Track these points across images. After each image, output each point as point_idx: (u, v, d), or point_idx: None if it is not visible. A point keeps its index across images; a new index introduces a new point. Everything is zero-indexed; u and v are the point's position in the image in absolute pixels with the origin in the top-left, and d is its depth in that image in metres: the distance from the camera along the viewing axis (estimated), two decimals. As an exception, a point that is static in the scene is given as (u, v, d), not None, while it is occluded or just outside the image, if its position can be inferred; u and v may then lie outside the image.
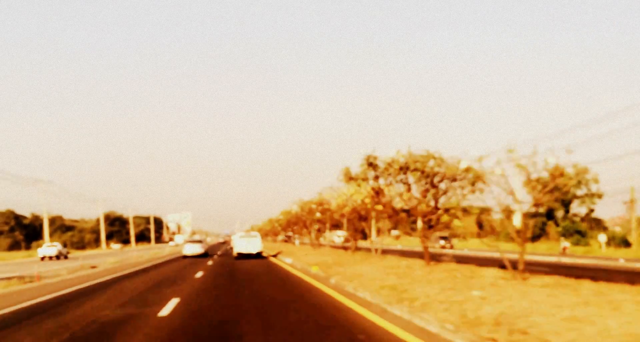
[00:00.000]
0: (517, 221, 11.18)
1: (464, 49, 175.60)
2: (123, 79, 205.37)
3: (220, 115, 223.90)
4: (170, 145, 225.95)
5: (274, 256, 32.04)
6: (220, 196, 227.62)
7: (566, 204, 56.69)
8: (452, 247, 48.21)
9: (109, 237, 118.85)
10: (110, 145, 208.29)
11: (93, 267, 26.66)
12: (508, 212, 11.22)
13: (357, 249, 26.94)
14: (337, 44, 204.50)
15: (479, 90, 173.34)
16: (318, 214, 26.13)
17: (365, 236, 77.32)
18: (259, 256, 30.60)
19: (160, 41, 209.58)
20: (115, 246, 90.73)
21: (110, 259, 33.03)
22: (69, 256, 48.61)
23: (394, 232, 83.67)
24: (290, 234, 61.28)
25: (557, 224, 55.99)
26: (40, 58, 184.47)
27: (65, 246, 57.69)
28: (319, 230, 43.65)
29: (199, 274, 19.07)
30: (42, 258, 44.25)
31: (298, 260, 23.38)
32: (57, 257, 45.08)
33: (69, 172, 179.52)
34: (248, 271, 20.27)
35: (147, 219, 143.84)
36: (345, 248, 35.86)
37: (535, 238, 55.43)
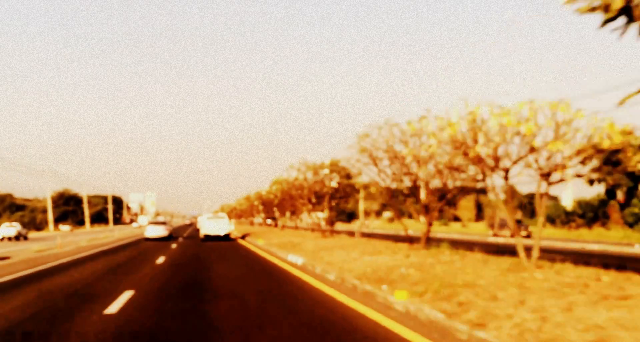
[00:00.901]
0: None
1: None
2: (85, 51, 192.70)
3: (188, 89, 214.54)
4: (135, 122, 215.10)
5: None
6: (186, 175, 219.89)
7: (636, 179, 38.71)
8: (529, 235, 30.25)
9: (63, 217, 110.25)
10: (69, 121, 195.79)
11: (3, 258, 19.61)
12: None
13: (334, 232, 24.66)
14: (302, 19, 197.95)
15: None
16: (334, 183, 20.45)
17: (350, 218, 72.74)
18: (226, 237, 30.19)
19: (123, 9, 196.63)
20: (65, 227, 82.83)
21: (35, 247, 27.20)
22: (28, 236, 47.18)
23: (386, 215, 78.74)
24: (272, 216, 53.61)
25: (622, 207, 42.49)
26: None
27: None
28: (293, 212, 39.72)
29: (160, 260, 17.16)
30: (1, 239, 42.63)
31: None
32: (17, 238, 43.47)
33: (23, 149, 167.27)
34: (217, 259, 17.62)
35: (105, 199, 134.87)
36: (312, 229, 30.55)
37: (593, 221, 45.30)
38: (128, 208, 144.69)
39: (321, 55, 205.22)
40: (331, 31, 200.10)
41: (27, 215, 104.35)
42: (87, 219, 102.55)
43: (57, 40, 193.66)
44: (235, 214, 69.59)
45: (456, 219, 79.73)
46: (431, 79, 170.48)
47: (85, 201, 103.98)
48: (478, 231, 44.70)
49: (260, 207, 45.56)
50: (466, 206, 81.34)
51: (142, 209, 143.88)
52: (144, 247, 24.63)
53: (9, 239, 42.82)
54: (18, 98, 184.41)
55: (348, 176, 21.59)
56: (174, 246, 25.06)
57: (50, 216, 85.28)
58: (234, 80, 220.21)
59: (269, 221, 51.69)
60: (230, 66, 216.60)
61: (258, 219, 74.05)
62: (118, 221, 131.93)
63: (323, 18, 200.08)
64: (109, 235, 45.24)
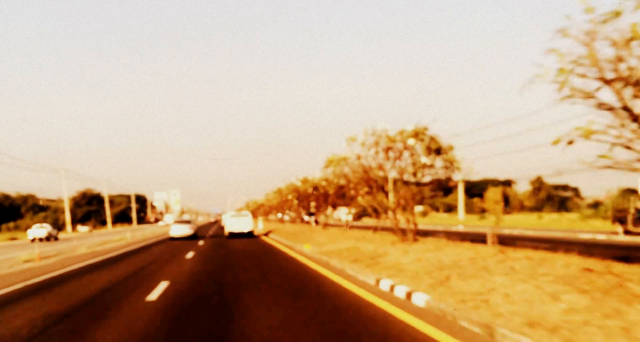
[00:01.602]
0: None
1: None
2: (110, 51, 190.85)
3: (211, 89, 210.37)
4: (159, 121, 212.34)
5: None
6: (210, 172, 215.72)
7: None
8: None
9: (87, 218, 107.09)
10: (96, 122, 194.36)
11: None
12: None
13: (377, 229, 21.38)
14: (318, 22, 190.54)
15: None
16: (425, 159, 13.95)
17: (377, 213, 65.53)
18: (250, 235, 31.08)
19: (149, 17, 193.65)
20: (83, 228, 78.25)
21: (22, 255, 21.10)
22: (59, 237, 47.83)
23: (418, 209, 70.87)
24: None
25: None
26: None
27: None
28: (317, 207, 33.49)
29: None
30: (32, 240, 42.85)
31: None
32: (47, 238, 44.24)
33: (47, 150, 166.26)
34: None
35: (129, 198, 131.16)
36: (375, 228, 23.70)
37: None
38: (152, 207, 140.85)
39: (346, 49, 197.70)
40: (354, 27, 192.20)
41: (50, 215, 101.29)
42: (108, 219, 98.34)
43: (85, 40, 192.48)
44: (264, 211, 63.11)
45: (482, 211, 74.26)
46: (439, 78, 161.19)
47: (106, 200, 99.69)
48: (566, 226, 36.47)
49: (295, 202, 38.70)
50: (493, 198, 73.39)
51: (167, 207, 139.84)
52: (148, 260, 18.17)
53: (40, 239, 42.93)
54: (42, 99, 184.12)
55: (438, 151, 14.44)
56: (189, 255, 18.67)
57: (67, 217, 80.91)
58: (258, 75, 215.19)
59: (306, 218, 44.45)
60: (255, 62, 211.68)
61: (284, 215, 67.10)
62: (142, 220, 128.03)
63: (344, 17, 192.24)
64: (123, 237, 39.49)
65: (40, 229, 45.05)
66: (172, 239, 31.37)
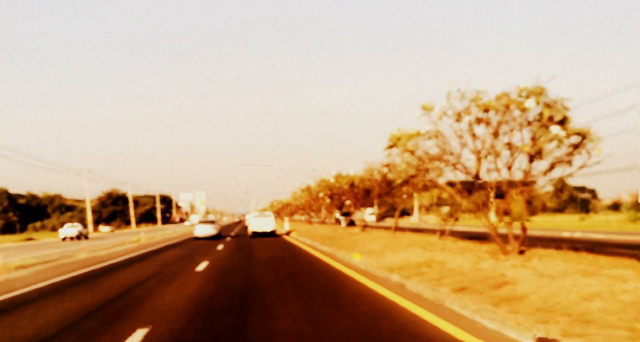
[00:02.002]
0: None
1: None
2: (136, 55, 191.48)
3: (236, 91, 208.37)
4: (184, 123, 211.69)
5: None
6: (234, 173, 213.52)
7: None
8: None
9: (112, 217, 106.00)
10: (120, 124, 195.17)
11: None
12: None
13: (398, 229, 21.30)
14: (343, 26, 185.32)
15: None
16: (557, 129, 9.16)
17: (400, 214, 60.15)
18: (272, 234, 31.67)
19: (176, 19, 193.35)
20: (105, 228, 75.99)
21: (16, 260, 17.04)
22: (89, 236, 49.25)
23: (444, 209, 65.92)
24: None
25: None
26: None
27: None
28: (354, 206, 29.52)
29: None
30: (64, 239, 44.37)
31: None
32: (78, 237, 45.16)
33: (74, 151, 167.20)
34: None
35: (155, 199, 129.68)
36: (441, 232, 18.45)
37: None
38: (178, 207, 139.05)
39: (368, 49, 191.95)
40: (373, 29, 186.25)
41: (76, 215, 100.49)
42: (132, 219, 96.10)
43: (113, 43, 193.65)
44: (290, 210, 58.41)
45: (505, 213, 69.45)
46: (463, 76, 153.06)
47: (130, 200, 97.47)
48: (617, 228, 30.37)
49: (327, 201, 33.91)
50: (516, 199, 68.85)
51: (192, 208, 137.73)
52: (144, 275, 13.78)
53: (71, 238, 44.34)
54: (69, 102, 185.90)
55: (563, 121, 9.30)
56: (201, 267, 14.24)
57: (89, 217, 78.64)
58: (280, 75, 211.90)
59: (340, 218, 39.22)
60: (277, 62, 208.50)
61: (298, 217, 62.02)
62: (168, 220, 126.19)
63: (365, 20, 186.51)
64: (137, 239, 35.79)
65: (71, 228, 45.97)
66: (197, 238, 31.71)
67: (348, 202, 30.32)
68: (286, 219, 47.65)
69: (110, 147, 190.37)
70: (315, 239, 24.22)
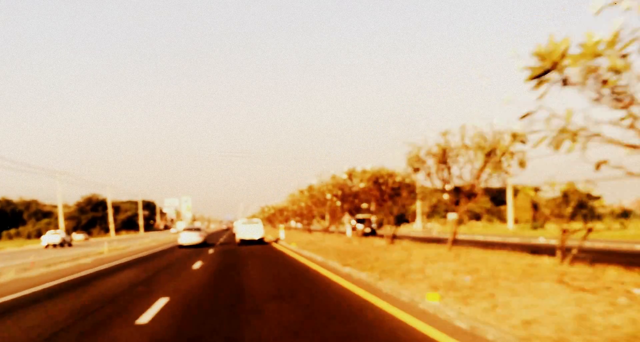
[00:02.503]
0: None
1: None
2: (118, 58, 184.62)
3: (225, 95, 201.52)
4: (169, 128, 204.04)
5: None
6: (223, 179, 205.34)
7: None
8: None
9: (92, 224, 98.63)
10: (104, 126, 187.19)
11: None
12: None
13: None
14: (330, 34, 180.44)
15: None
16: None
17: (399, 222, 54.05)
18: (260, 241, 31.31)
19: (161, 26, 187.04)
20: (79, 236, 69.16)
21: None
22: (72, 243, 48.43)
23: (451, 216, 59.60)
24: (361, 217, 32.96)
25: None
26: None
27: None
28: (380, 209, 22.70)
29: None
30: (46, 246, 43.59)
31: None
32: (61, 244, 44.39)
33: (53, 154, 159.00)
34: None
35: (137, 204, 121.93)
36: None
37: None
38: (162, 214, 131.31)
39: (360, 57, 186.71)
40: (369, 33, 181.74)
41: (53, 222, 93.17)
42: (111, 226, 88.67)
43: (96, 44, 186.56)
44: (285, 217, 51.58)
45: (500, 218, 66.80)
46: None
47: (109, 205, 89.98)
48: None
49: (338, 203, 27.26)
50: (521, 205, 63.12)
51: (178, 214, 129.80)
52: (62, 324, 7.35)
53: (54, 246, 42.98)
54: (52, 105, 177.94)
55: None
56: (159, 305, 7.88)
57: (61, 223, 71.46)
58: (271, 81, 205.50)
59: (357, 226, 31.75)
60: (266, 69, 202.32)
61: (293, 224, 55.17)
62: (151, 227, 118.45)
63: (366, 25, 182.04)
64: (101, 251, 29.30)
65: (54, 235, 44.65)
66: (181, 246, 30.51)
67: (364, 205, 24.12)
68: (281, 227, 41.12)
69: (94, 151, 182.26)
70: (328, 255, 17.81)
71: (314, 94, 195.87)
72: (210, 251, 25.76)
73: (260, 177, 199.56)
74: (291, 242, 28.38)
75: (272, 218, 62.87)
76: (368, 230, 30.08)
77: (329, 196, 27.06)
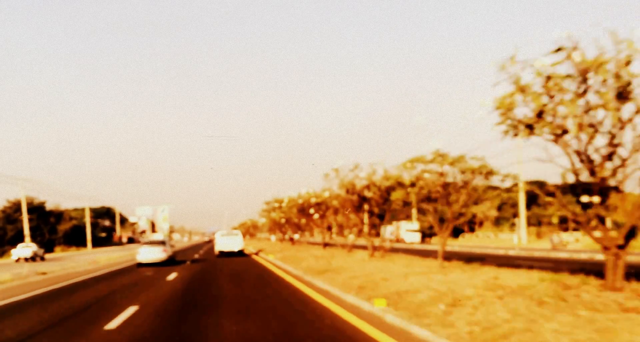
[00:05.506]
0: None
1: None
2: (96, 61, 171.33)
3: (209, 103, 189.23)
4: (151, 134, 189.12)
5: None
6: (206, 188, 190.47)
7: None
8: None
9: (18, 238, 69.55)
10: (84, 134, 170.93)
11: None
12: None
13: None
14: (318, 39, 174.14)
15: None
16: None
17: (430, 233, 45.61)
18: (240, 253, 31.05)
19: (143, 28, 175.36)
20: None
21: None
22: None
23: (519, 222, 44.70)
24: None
25: None
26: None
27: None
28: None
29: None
30: (17, 260, 40.73)
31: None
32: (33, 258, 41.39)
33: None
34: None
35: (100, 213, 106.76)
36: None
37: None
38: (132, 224, 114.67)
39: (352, 64, 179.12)
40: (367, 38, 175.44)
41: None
42: (27, 239, 59.51)
43: (61, 48, 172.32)
44: (269, 227, 44.12)
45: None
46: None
47: (24, 210, 66.03)
48: None
49: (347, 210, 18.36)
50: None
51: (153, 225, 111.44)
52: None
53: (26, 259, 40.90)
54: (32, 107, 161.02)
55: None
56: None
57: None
58: (255, 88, 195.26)
59: (405, 237, 22.27)
60: (250, 75, 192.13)
61: (279, 235, 46.02)
62: (108, 240, 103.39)
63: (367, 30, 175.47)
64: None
65: (25, 249, 42.11)
66: (140, 265, 25.90)
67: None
68: (274, 237, 34.24)
69: (66, 156, 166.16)
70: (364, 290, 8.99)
71: (303, 100, 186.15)
72: (172, 275, 18.68)
73: (246, 187, 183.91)
74: (292, 262, 19.64)
75: (260, 229, 55.35)
76: (375, 243, 18.95)
77: (335, 202, 18.45)
